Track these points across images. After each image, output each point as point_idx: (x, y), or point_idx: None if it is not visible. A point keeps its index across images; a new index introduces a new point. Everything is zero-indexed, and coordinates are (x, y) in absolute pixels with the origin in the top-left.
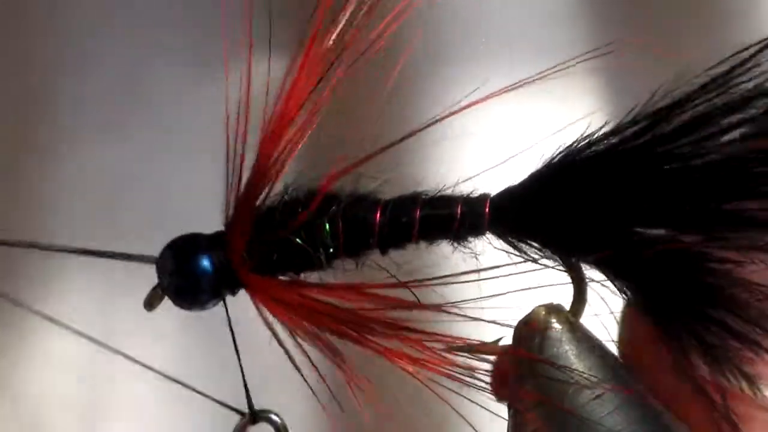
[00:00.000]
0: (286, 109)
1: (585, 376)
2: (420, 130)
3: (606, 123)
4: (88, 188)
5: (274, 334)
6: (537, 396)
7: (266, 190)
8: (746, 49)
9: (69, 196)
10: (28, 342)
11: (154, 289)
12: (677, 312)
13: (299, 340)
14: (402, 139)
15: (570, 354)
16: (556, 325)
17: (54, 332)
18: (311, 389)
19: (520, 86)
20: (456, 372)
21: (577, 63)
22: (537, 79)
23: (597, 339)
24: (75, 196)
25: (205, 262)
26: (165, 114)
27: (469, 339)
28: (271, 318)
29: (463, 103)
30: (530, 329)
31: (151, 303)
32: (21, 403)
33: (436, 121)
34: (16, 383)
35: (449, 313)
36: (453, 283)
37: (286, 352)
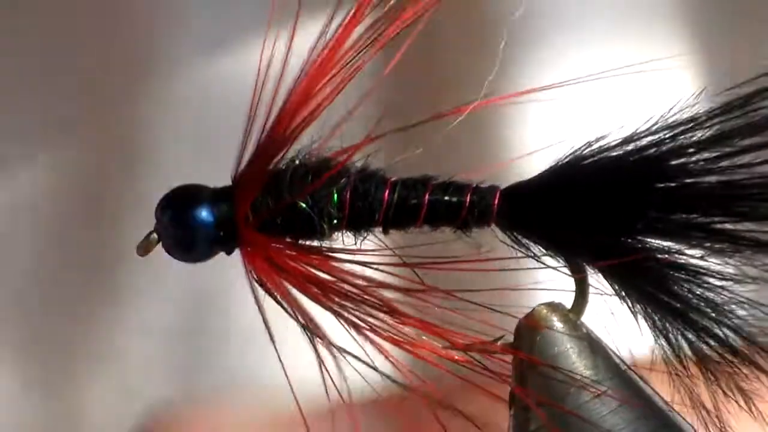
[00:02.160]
0: (315, 74)
1: (586, 374)
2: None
3: (621, 127)
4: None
5: (258, 303)
6: (538, 395)
7: (283, 151)
8: None
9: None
10: (124, 311)
11: (150, 234)
12: (677, 323)
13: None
14: (412, 126)
15: (571, 352)
16: (558, 324)
17: (150, 300)
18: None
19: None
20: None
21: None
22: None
23: (598, 338)
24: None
25: (204, 214)
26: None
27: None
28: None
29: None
30: (531, 327)
31: (145, 249)
32: (119, 372)
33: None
34: (114, 352)
35: (435, 304)
36: (452, 269)
37: (266, 324)
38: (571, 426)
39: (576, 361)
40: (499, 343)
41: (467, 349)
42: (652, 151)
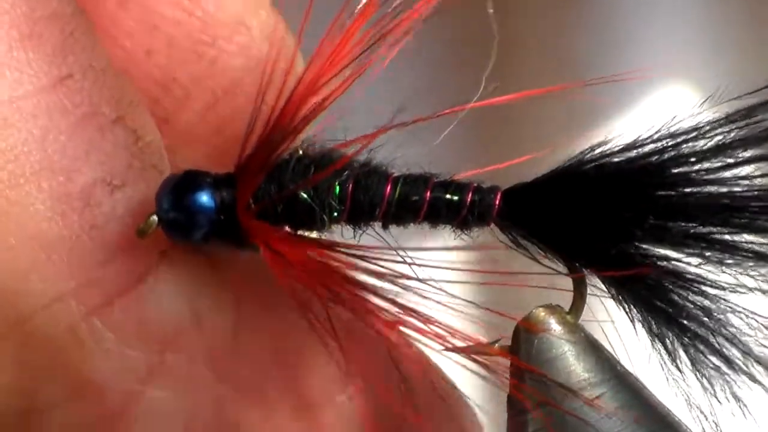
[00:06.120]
0: (324, 66)
1: (584, 377)
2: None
3: (623, 134)
4: None
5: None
6: (537, 397)
7: (287, 142)
8: None
9: None
10: None
11: (150, 217)
12: (673, 330)
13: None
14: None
15: (569, 355)
16: (556, 326)
17: None
18: None
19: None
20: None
21: None
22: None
23: (596, 340)
24: None
25: (205, 199)
26: None
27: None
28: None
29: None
30: (529, 330)
31: (144, 231)
32: None
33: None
34: None
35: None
36: (450, 268)
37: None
38: (570, 428)
39: (574, 363)
40: (496, 345)
41: (465, 351)
42: (653, 158)
